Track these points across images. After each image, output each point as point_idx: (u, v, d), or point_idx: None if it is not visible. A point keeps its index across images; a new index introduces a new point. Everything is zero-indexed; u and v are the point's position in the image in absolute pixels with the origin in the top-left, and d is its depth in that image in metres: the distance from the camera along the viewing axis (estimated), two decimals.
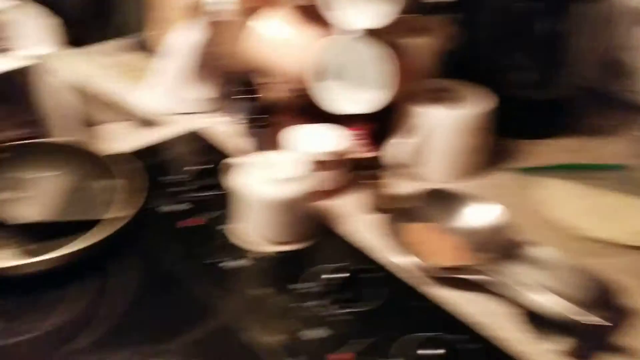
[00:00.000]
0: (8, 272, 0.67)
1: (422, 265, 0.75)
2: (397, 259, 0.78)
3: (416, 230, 0.80)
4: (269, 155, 0.78)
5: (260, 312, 0.69)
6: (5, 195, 0.75)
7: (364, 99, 0.87)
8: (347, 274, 0.72)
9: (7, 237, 0.76)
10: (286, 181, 0.74)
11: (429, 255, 0.76)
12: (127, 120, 1.02)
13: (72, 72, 0.96)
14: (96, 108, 0.99)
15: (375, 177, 0.85)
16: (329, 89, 0.87)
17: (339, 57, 0.86)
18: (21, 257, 0.72)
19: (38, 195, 0.77)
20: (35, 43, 0.79)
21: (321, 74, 0.87)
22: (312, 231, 0.80)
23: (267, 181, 0.73)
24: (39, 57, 0.80)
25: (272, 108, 1.05)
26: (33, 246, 0.74)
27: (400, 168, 0.91)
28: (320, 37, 0.87)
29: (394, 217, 0.83)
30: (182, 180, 0.89)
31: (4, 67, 0.75)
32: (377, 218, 0.85)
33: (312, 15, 0.88)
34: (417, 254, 0.76)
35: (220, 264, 0.75)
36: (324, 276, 0.73)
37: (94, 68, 1.09)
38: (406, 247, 0.78)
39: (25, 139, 0.86)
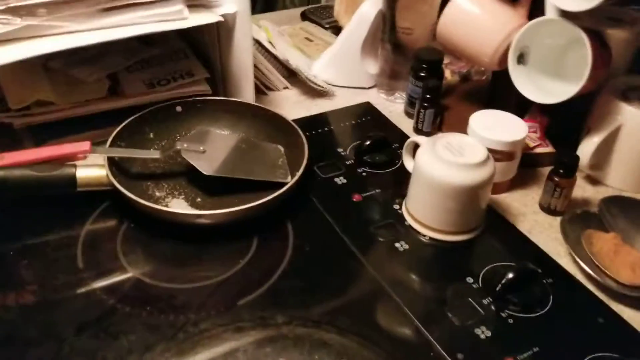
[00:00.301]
0: (181, 219, 0.69)
1: (599, 277, 0.69)
2: (570, 266, 0.72)
3: (594, 239, 0.74)
4: (446, 138, 0.74)
5: (418, 301, 0.67)
6: (180, 145, 0.78)
7: (555, 89, 0.80)
8: (515, 274, 0.67)
9: (177, 186, 0.79)
10: (463, 167, 0.70)
11: (606, 267, 0.70)
12: (303, 87, 1.03)
13: (256, 34, 0.99)
14: (271, 73, 1.01)
15: (553, 176, 0.78)
16: (522, 75, 0.82)
17: (538, 41, 0.80)
18: (190, 208, 0.75)
19: (209, 150, 0.78)
20: (228, 0, 0.81)
21: (518, 58, 0.81)
22: (483, 223, 0.76)
23: (445, 164, 0.70)
24: (230, 15, 0.81)
25: (451, 89, 1.01)
26: (199, 199, 0.77)
27: (580, 169, 0.84)
28: (519, 17, 0.81)
29: (570, 221, 0.77)
30: (349, 153, 0.88)
31: (195, 22, 0.77)
32: (551, 219, 0.80)
33: None
34: (593, 264, 0.70)
35: (381, 240, 0.73)
36: (487, 270, 0.70)
37: (277, 33, 1.11)
38: (581, 254, 0.72)
39: (202, 95, 0.89)
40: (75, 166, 0.72)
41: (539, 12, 0.80)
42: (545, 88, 0.82)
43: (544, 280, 0.70)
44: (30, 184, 0.70)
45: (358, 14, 0.99)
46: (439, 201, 0.72)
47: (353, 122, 0.96)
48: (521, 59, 0.82)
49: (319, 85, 1.00)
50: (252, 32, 0.90)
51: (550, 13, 0.77)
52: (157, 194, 0.77)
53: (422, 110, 0.92)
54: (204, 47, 0.93)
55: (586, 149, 0.82)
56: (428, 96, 0.91)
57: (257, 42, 0.96)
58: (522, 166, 0.83)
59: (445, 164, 0.70)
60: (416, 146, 0.78)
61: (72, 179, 0.72)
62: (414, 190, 0.76)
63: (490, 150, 0.77)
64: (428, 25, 0.95)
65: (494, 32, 0.82)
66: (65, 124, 0.82)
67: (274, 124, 0.86)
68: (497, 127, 0.79)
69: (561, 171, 0.78)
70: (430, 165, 0.71)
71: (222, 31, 0.86)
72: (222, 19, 0.79)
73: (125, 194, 0.69)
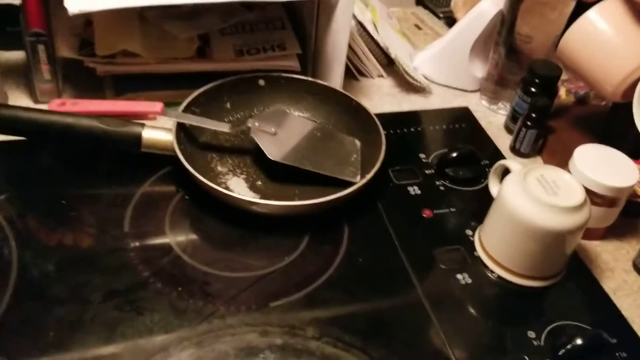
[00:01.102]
0: (234, 202, 0.66)
1: None
2: None
3: None
4: (541, 170, 0.65)
5: (467, 346, 0.60)
6: (252, 123, 0.74)
7: None
8: (584, 341, 0.58)
9: (241, 164, 0.75)
10: (554, 208, 0.61)
11: None
12: (398, 78, 0.96)
13: (361, 14, 0.92)
14: (368, 58, 0.94)
15: None
16: None
17: None
18: (248, 190, 0.72)
19: (280, 133, 0.74)
20: None
21: None
22: (564, 271, 0.68)
23: (534, 201, 0.61)
24: None
25: (563, 109, 0.91)
26: (260, 182, 0.73)
27: None
28: None
29: None
30: (432, 161, 0.81)
31: None
32: None
33: None
34: None
35: (443, 267, 0.67)
36: (554, 327, 0.61)
37: (385, 14, 1.04)
38: None
39: (289, 71, 0.84)
40: (143, 126, 0.70)
41: None
42: None
43: (617, 353, 0.60)
44: (97, 136, 0.69)
45: (476, 10, 0.90)
46: (518, 240, 0.64)
47: (445, 127, 0.88)
48: None
49: (417, 80, 0.92)
50: (353, 12, 0.84)
51: None
52: (219, 168, 0.74)
53: (524, 129, 0.82)
54: (302, 20, 0.88)
55: None
56: (534, 115, 0.81)
57: (359, 24, 0.90)
58: (623, 214, 0.73)
59: (533, 200, 0.62)
60: (506, 170, 0.70)
61: (138, 138, 0.70)
62: (491, 220, 0.68)
63: (590, 192, 0.68)
64: (551, 35, 0.85)
65: (626, 59, 0.71)
66: (148, 79, 0.81)
67: (357, 116, 0.80)
68: (604, 167, 0.69)
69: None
70: (516, 198, 0.63)
71: (322, 6, 0.80)
72: None
73: (184, 165, 0.66)
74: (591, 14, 0.73)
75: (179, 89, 0.81)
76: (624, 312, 0.65)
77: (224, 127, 0.74)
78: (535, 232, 0.62)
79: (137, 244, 0.64)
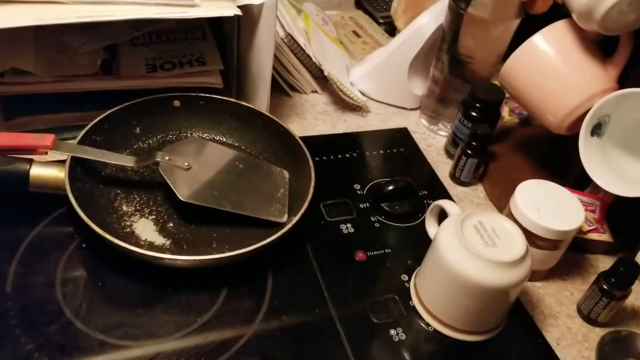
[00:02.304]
0: (137, 257, 0.57)
1: None
2: None
3: None
4: (479, 217, 0.59)
5: None
6: (161, 157, 0.65)
7: (634, 174, 0.64)
8: None
9: (150, 202, 0.66)
10: (492, 264, 0.55)
11: None
12: (334, 95, 0.88)
13: (293, 22, 0.83)
14: (300, 73, 0.86)
15: (603, 282, 0.63)
16: (594, 149, 0.65)
17: (622, 112, 0.63)
18: (157, 234, 0.63)
19: (195, 167, 0.65)
20: None
21: (595, 129, 0.64)
22: (504, 322, 0.62)
23: (471, 255, 0.55)
24: (255, 6, 0.67)
25: (506, 131, 0.85)
26: (171, 224, 0.64)
27: None
28: (608, 80, 0.65)
29: (610, 343, 0.62)
30: (367, 193, 0.74)
31: (205, 12, 0.63)
32: (587, 329, 0.65)
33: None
34: None
35: (375, 321, 0.60)
36: None
37: (321, 20, 0.95)
38: None
39: (208, 90, 0.75)
40: (31, 162, 0.60)
41: (633, 76, 0.63)
42: (619, 169, 0.66)
43: None
44: None
45: (415, 25, 0.83)
46: (454, 294, 0.58)
47: (382, 151, 0.81)
48: (597, 129, 0.65)
49: (352, 99, 0.85)
50: (282, 23, 0.75)
51: None
52: (125, 207, 0.65)
53: (464, 158, 0.76)
54: (224, 32, 0.79)
55: None
56: (474, 143, 0.75)
57: (289, 35, 0.81)
58: (569, 250, 0.68)
59: (470, 254, 0.56)
60: (444, 211, 0.64)
61: (25, 176, 0.60)
62: (427, 270, 0.62)
63: (533, 235, 0.63)
64: (495, 55, 0.79)
65: (573, 91, 0.65)
66: (44, 100, 0.70)
67: (285, 142, 0.72)
68: (547, 207, 0.64)
69: (613, 280, 0.62)
70: (452, 251, 0.57)
71: (243, 22, 0.71)
72: (239, 12, 0.64)
73: (76, 210, 0.57)
74: (537, 38, 0.67)
75: (81, 110, 0.71)
76: None
77: (128, 162, 0.65)
78: (473, 288, 0.56)
79: (21, 307, 0.55)
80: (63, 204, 0.63)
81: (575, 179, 0.74)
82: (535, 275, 0.68)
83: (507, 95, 0.77)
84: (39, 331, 0.53)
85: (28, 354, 0.52)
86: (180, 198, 0.61)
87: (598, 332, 0.64)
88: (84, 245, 0.61)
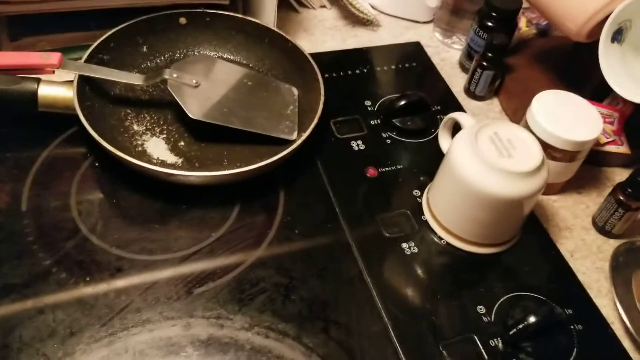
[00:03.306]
0: (149, 173, 0.57)
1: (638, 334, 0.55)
2: (610, 310, 0.58)
3: None
4: (494, 127, 0.58)
5: (411, 328, 0.54)
6: (169, 74, 0.63)
7: None
8: (536, 320, 0.53)
9: (161, 120, 0.66)
10: (508, 174, 0.54)
11: None
12: (343, 9, 0.85)
13: None
14: None
15: (619, 192, 0.62)
16: (614, 56, 0.63)
17: None
18: (169, 153, 0.63)
19: (204, 84, 0.64)
20: None
21: (613, 34, 0.62)
22: (519, 235, 0.62)
23: (486, 166, 0.54)
24: None
25: (524, 43, 0.82)
26: (182, 143, 0.64)
27: None
28: None
29: (625, 253, 0.62)
30: (378, 110, 0.72)
31: None
32: (602, 240, 0.64)
33: None
34: (638, 315, 0.56)
35: (387, 235, 0.60)
36: (505, 299, 0.57)
37: None
38: (626, 300, 0.58)
39: (215, 6, 0.72)
40: (39, 81, 0.60)
41: None
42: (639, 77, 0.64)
43: (572, 326, 0.56)
44: None
45: None
46: (468, 207, 0.58)
47: (394, 67, 0.79)
48: (617, 35, 0.62)
49: (363, 12, 0.82)
50: None
51: None
52: (135, 127, 0.64)
53: (479, 70, 0.74)
54: None
55: None
56: (490, 55, 0.73)
57: None
58: (585, 163, 0.67)
59: (484, 165, 0.55)
60: (458, 125, 0.63)
61: (33, 96, 0.59)
62: (440, 183, 0.61)
63: (549, 147, 0.62)
64: None
65: None
66: (50, 19, 0.69)
67: (294, 58, 0.71)
68: (565, 118, 0.62)
69: (630, 190, 0.61)
70: (466, 162, 0.56)
71: None
72: None
73: (87, 130, 0.57)
74: None
75: (86, 29, 0.70)
76: (581, 277, 0.61)
77: (136, 80, 0.64)
78: (487, 200, 0.56)
79: (36, 226, 0.56)
80: (73, 124, 0.63)
81: (594, 90, 0.72)
82: (550, 188, 0.68)
83: (524, 4, 0.74)
84: (56, 247, 0.54)
85: (46, 269, 0.53)
86: (190, 115, 0.61)
87: (612, 244, 0.64)
88: (96, 164, 0.61)
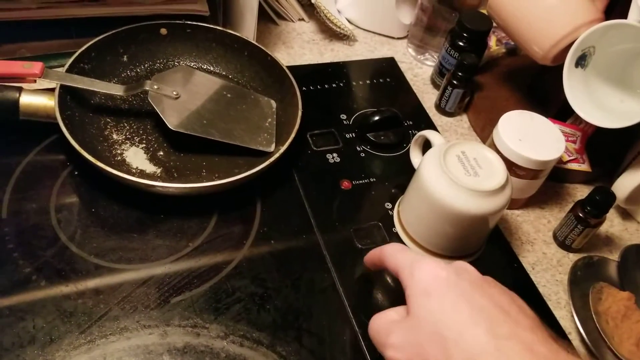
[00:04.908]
0: (127, 183, 0.58)
1: (594, 345, 0.58)
2: (568, 321, 0.62)
3: (605, 294, 0.63)
4: (462, 147, 0.61)
5: None
6: (150, 86, 0.65)
7: (616, 105, 0.66)
8: None
9: (140, 130, 0.67)
10: (473, 193, 0.57)
11: (608, 333, 0.59)
12: (321, 23, 0.88)
13: None
14: (286, 0, 0.85)
15: (578, 210, 0.66)
16: (578, 80, 0.66)
17: (607, 43, 0.64)
18: (148, 162, 0.64)
19: (184, 96, 0.66)
20: None
21: (579, 60, 0.65)
22: (483, 248, 0.65)
23: (452, 183, 0.57)
24: None
25: (493, 62, 0.85)
26: (161, 152, 0.65)
27: (621, 203, 0.71)
28: (595, 11, 0.65)
29: (583, 267, 0.65)
30: (353, 123, 0.75)
31: None
32: (562, 254, 0.68)
33: None
34: (594, 327, 0.60)
35: (359, 246, 0.63)
36: None
37: None
38: (583, 312, 0.61)
39: (195, 17, 0.74)
40: (20, 90, 0.61)
41: (619, 7, 0.64)
42: (601, 101, 0.67)
43: None
44: None
45: None
46: (434, 221, 0.61)
47: (368, 81, 0.82)
48: (581, 60, 0.66)
49: (339, 27, 0.85)
50: None
51: (634, 15, 0.61)
52: (115, 136, 0.65)
53: (450, 88, 0.77)
54: None
55: (628, 183, 0.69)
56: (460, 74, 0.76)
57: None
58: (548, 179, 0.70)
59: (452, 182, 0.58)
60: (429, 141, 0.65)
61: (15, 105, 0.60)
62: (410, 197, 0.64)
63: (514, 165, 0.65)
64: None
65: (560, 22, 0.65)
66: (31, 26, 0.69)
67: (272, 72, 0.73)
68: (529, 137, 0.66)
69: (589, 208, 0.65)
70: (434, 179, 0.59)
71: None
72: None
73: (67, 138, 0.58)
74: None
75: (67, 37, 0.71)
76: (541, 289, 0.64)
77: (116, 90, 0.65)
78: (454, 216, 0.59)
79: (17, 232, 0.57)
80: (53, 132, 0.64)
81: (558, 110, 0.75)
82: (514, 204, 0.71)
83: (494, 24, 0.77)
84: (36, 255, 0.56)
85: (27, 276, 0.54)
86: (170, 127, 0.62)
87: (572, 258, 0.68)
88: (76, 173, 0.62)
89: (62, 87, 0.62)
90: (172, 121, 0.63)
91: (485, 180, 0.58)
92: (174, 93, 0.65)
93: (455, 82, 0.76)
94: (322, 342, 0.55)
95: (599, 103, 0.67)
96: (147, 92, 0.65)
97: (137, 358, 0.51)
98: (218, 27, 0.74)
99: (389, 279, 0.61)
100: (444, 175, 0.58)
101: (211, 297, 0.56)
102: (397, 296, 0.60)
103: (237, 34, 0.73)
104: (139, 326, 0.53)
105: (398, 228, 0.65)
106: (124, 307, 0.54)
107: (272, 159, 0.62)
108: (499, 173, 0.59)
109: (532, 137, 0.66)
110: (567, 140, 0.74)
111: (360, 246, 0.63)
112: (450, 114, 0.80)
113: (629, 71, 0.68)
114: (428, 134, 0.65)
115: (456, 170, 0.59)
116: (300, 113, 0.67)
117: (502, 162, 0.60)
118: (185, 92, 0.66)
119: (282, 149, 0.64)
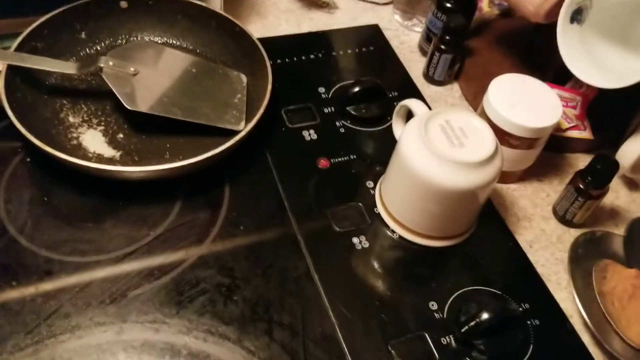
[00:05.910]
0: (84, 170, 0.53)
1: (599, 331, 0.53)
2: (569, 303, 0.56)
3: (610, 272, 0.58)
4: (445, 115, 0.55)
5: (359, 331, 0.52)
6: (105, 62, 0.60)
7: (615, 64, 0.60)
8: (490, 317, 0.51)
9: (99, 111, 0.62)
10: (459, 165, 0.51)
11: (614, 315, 0.54)
12: None
13: None
14: None
15: (579, 181, 0.60)
16: (574, 37, 0.60)
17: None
18: (106, 146, 0.59)
19: (143, 72, 0.61)
20: None
21: (572, 14, 0.59)
22: (474, 226, 0.60)
23: (435, 156, 0.52)
24: None
25: (485, 24, 0.79)
26: (121, 135, 0.60)
27: (626, 172, 0.65)
28: None
29: (584, 243, 0.60)
30: (332, 97, 0.69)
31: None
32: (562, 230, 0.62)
33: None
34: (599, 309, 0.55)
35: (337, 229, 0.58)
36: (459, 294, 0.55)
37: None
38: (586, 293, 0.56)
39: None
40: None
41: None
42: (601, 60, 0.61)
43: (529, 321, 0.54)
44: None
45: None
46: (418, 200, 0.55)
47: (350, 51, 0.76)
48: (577, 15, 0.60)
49: None
50: None
51: None
52: (71, 119, 0.61)
53: (437, 54, 0.71)
54: None
55: (633, 149, 0.63)
56: (448, 37, 0.70)
57: None
58: (546, 149, 0.65)
59: (434, 155, 0.52)
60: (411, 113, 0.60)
61: None
62: (391, 174, 0.58)
63: (506, 134, 0.59)
64: None
65: None
66: None
67: (242, 44, 0.67)
68: (523, 103, 0.60)
69: (590, 178, 0.59)
70: (415, 153, 0.53)
71: None
72: None
73: (15, 125, 0.53)
74: None
75: (20, 15, 0.66)
76: (539, 269, 0.59)
77: (69, 69, 0.60)
78: (438, 192, 0.53)
79: None
80: (3, 117, 0.59)
81: (556, 73, 0.69)
82: (509, 177, 0.65)
83: None
84: None
85: None
86: (126, 106, 0.57)
87: (573, 234, 0.62)
88: (28, 160, 0.58)
89: (10, 68, 0.57)
90: (129, 100, 0.58)
91: (471, 151, 0.53)
92: (132, 70, 0.60)
93: (443, 46, 0.70)
94: (295, 334, 0.50)
95: (597, 62, 0.61)
96: (102, 70, 0.60)
97: (89, 358, 0.47)
98: None
99: (369, 265, 0.56)
100: (425, 148, 0.52)
101: (173, 289, 0.51)
102: (377, 283, 0.55)
103: (203, 4, 0.68)
104: (92, 323, 0.48)
105: (380, 208, 0.60)
106: (75, 304, 0.49)
107: (237, 137, 0.57)
108: (488, 142, 0.54)
109: (525, 102, 0.60)
110: (566, 106, 0.68)
111: (338, 229, 0.58)
112: (439, 83, 0.74)
113: (631, 26, 0.61)
114: (410, 103, 0.60)
115: (439, 141, 0.53)
116: (269, 87, 0.61)
117: (490, 130, 0.55)
118: (145, 69, 0.61)
119: (250, 125, 0.58)
